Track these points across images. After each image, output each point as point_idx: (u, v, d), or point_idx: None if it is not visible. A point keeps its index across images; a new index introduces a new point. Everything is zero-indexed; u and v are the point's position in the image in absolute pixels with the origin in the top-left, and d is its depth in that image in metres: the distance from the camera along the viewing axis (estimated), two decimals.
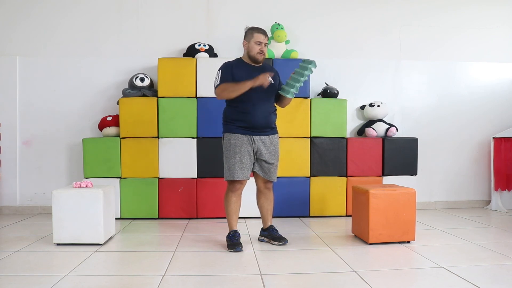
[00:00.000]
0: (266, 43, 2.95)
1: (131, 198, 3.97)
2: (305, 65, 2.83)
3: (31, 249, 2.92)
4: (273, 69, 3.10)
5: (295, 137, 4.08)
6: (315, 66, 2.82)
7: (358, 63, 4.60)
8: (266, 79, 2.76)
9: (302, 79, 2.82)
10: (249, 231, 3.48)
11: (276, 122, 3.07)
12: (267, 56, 4.14)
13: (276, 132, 3.05)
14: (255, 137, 2.91)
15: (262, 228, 3.18)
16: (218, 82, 2.88)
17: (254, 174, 3.04)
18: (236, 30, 4.45)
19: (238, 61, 3.00)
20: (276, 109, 3.06)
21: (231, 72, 2.89)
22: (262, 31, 2.94)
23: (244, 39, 2.98)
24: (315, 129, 4.12)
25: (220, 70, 2.93)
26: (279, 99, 3.05)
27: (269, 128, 2.97)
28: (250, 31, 2.95)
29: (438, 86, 4.72)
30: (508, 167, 4.50)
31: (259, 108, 2.88)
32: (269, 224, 3.13)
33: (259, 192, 3.11)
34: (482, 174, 4.75)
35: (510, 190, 4.56)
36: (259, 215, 3.69)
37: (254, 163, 2.97)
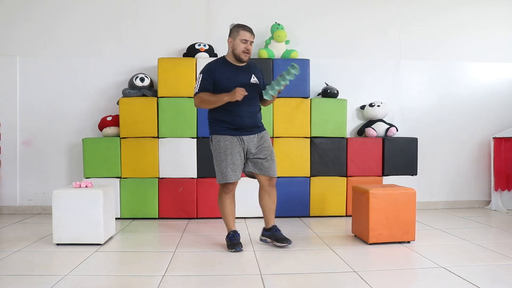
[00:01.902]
0: (252, 42, 2.86)
1: (131, 198, 3.97)
2: (291, 69, 2.78)
3: (31, 249, 2.92)
4: (256, 67, 3.03)
5: (295, 137, 4.08)
6: (297, 72, 2.77)
7: (358, 63, 4.60)
8: (241, 95, 2.73)
9: (283, 83, 2.79)
10: (249, 231, 3.48)
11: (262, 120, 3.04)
12: (267, 56, 4.15)
13: (264, 129, 3.01)
14: (244, 137, 2.88)
15: (264, 227, 3.09)
16: (197, 90, 2.84)
17: (255, 173, 2.99)
18: None
19: (222, 60, 2.92)
20: (260, 108, 3.04)
21: (213, 77, 2.83)
22: (248, 29, 2.85)
23: (229, 36, 2.88)
24: (315, 129, 4.12)
25: (201, 75, 2.85)
26: (261, 98, 3.00)
27: (256, 127, 2.94)
28: (236, 28, 2.85)
29: (438, 86, 4.72)
30: (508, 167, 4.50)
31: (245, 108, 2.84)
32: (272, 223, 3.04)
33: (262, 191, 3.01)
34: (482, 174, 4.75)
35: (510, 190, 4.56)
36: (259, 215, 3.67)
37: (245, 163, 2.94)
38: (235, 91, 2.73)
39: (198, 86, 2.84)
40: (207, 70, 2.86)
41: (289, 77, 2.79)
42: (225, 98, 2.76)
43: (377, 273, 2.43)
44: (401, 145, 4.23)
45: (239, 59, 2.86)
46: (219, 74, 2.83)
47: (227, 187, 2.92)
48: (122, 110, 4.00)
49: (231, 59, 2.90)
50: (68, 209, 2.97)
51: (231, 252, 2.84)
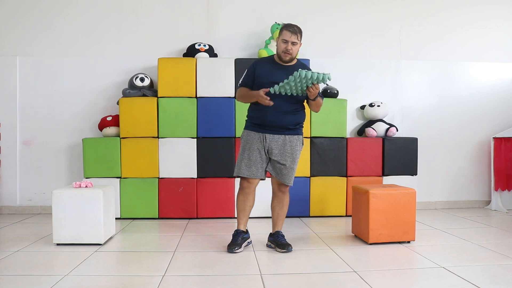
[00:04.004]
0: (295, 42, 2.78)
1: (131, 198, 3.97)
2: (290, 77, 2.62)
3: (31, 249, 2.92)
4: (306, 67, 2.89)
5: None
6: (296, 81, 2.60)
7: (358, 63, 4.60)
8: (264, 100, 2.71)
9: (287, 88, 2.68)
10: (249, 231, 3.47)
11: (302, 123, 2.93)
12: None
13: (297, 134, 2.88)
14: (267, 135, 2.83)
15: (270, 232, 3.06)
16: (239, 84, 2.97)
17: (270, 174, 2.96)
18: (236, 30, 4.46)
19: (269, 58, 2.96)
20: (299, 110, 2.89)
21: (254, 72, 2.88)
22: (291, 29, 2.79)
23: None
24: (315, 129, 4.11)
25: (246, 70, 2.94)
26: (308, 102, 2.89)
27: (284, 129, 2.83)
28: (281, 28, 2.85)
29: (438, 86, 4.72)
30: (508, 167, 4.51)
31: (273, 106, 2.76)
32: (277, 229, 2.99)
33: (273, 194, 3.01)
34: (482, 174, 4.75)
35: (510, 190, 4.56)
36: (260, 215, 3.68)
37: (268, 163, 2.89)
38: (258, 92, 2.74)
39: (241, 80, 2.95)
40: (251, 66, 2.93)
41: (287, 86, 2.67)
42: (254, 96, 2.80)
43: (377, 273, 2.43)
44: (401, 145, 4.23)
45: (280, 59, 2.87)
46: (259, 70, 2.87)
47: (242, 183, 2.90)
48: (122, 110, 4.00)
49: (276, 58, 2.91)
50: (68, 209, 2.96)
51: (227, 251, 2.83)
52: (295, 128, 2.89)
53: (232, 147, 4.01)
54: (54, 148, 4.37)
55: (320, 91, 2.98)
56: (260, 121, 2.84)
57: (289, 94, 2.74)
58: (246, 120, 2.99)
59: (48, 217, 3.84)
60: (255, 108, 2.88)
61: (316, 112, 3.01)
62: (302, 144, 2.96)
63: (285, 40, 2.79)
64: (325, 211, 4.09)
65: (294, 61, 2.93)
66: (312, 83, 2.66)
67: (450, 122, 4.71)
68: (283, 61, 2.86)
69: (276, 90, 2.70)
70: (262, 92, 2.72)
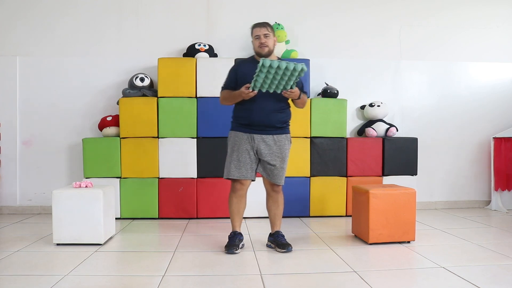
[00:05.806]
0: (266, 34, 2.81)
1: (131, 198, 3.97)
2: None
3: (31, 249, 2.92)
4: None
5: (295, 137, 4.03)
6: (268, 65, 2.53)
7: (358, 63, 4.60)
8: (247, 95, 2.70)
9: (261, 76, 2.62)
10: (249, 231, 3.48)
11: (288, 122, 2.95)
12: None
13: (284, 133, 2.90)
14: (256, 136, 2.82)
15: (270, 233, 3.06)
16: (222, 87, 2.96)
17: (261, 174, 2.96)
18: (236, 30, 4.46)
19: (249, 58, 2.97)
20: (286, 108, 2.91)
21: (236, 73, 2.88)
22: (259, 24, 2.85)
23: None
24: (315, 129, 4.12)
25: (228, 73, 2.95)
26: (293, 100, 2.91)
27: (272, 128, 2.84)
28: (251, 29, 2.89)
29: (438, 86, 4.72)
30: (508, 167, 4.50)
31: (259, 105, 2.78)
32: (276, 229, 2.99)
33: (267, 195, 3.01)
34: (482, 174, 4.75)
35: (510, 190, 4.56)
36: (260, 215, 3.68)
37: (258, 164, 2.89)
38: (240, 89, 2.73)
39: (223, 83, 2.95)
40: (232, 68, 2.96)
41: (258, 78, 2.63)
42: (237, 96, 2.78)
43: (377, 273, 2.43)
44: (401, 145, 4.23)
45: (259, 55, 2.87)
46: (241, 71, 2.87)
47: (233, 185, 2.90)
48: (122, 110, 4.00)
49: (256, 57, 2.91)
50: (68, 209, 2.97)
51: (225, 253, 2.82)
52: (282, 127, 2.90)
53: None
54: (54, 148, 4.37)
55: (304, 89, 2.99)
56: (247, 121, 2.83)
57: (271, 91, 2.67)
58: (231, 121, 2.96)
59: (48, 217, 3.84)
60: (241, 108, 2.85)
61: (301, 108, 3.03)
62: (290, 142, 2.97)
63: (257, 36, 2.83)
64: (325, 211, 4.09)
65: (275, 58, 2.89)
66: (287, 74, 2.58)
67: (450, 122, 4.71)
68: (262, 56, 2.83)
69: (252, 86, 2.66)
70: (244, 88, 2.71)
